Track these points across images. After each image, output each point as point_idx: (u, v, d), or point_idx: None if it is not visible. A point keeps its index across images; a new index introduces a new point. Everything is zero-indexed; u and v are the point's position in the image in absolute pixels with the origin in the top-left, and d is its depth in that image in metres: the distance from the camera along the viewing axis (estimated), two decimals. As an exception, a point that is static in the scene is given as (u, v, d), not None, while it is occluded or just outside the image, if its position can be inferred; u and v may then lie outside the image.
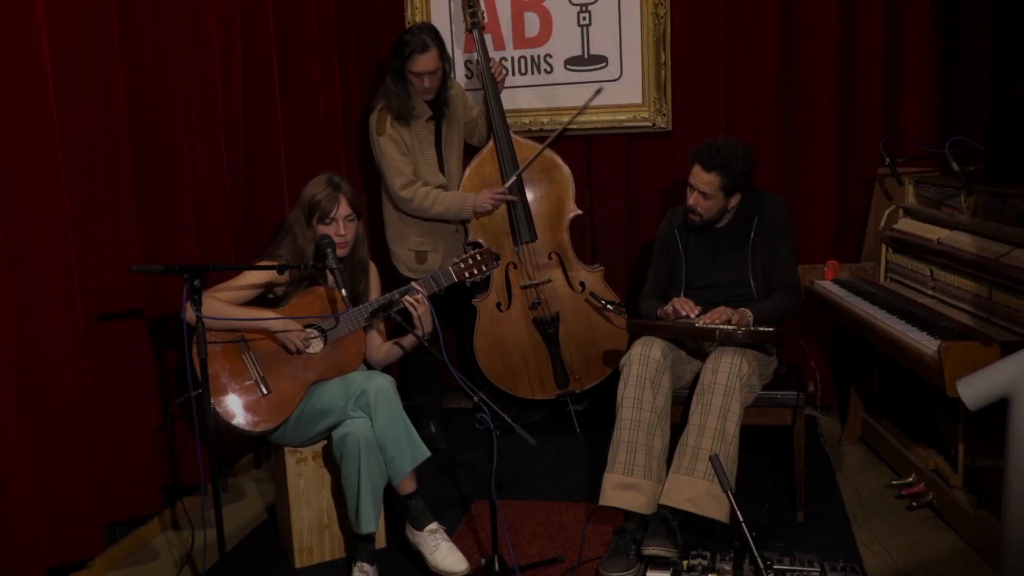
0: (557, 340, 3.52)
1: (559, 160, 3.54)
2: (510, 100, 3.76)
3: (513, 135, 3.51)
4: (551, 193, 3.54)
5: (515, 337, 3.54)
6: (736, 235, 2.88)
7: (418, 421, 3.60)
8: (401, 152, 3.33)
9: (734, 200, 2.83)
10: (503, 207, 3.49)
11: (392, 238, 3.51)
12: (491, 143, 3.50)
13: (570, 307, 3.52)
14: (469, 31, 3.50)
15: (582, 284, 3.51)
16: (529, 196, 3.51)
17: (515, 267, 3.52)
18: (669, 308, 2.78)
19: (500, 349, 3.54)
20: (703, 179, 2.78)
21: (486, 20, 3.64)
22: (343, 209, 2.68)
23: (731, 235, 2.88)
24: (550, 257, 3.52)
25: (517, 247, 3.50)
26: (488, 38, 3.77)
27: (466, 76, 3.85)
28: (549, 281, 3.51)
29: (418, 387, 3.63)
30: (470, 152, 3.62)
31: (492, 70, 3.47)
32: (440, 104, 3.43)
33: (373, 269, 2.88)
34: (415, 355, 3.58)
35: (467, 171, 3.51)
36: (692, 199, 2.83)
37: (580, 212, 3.55)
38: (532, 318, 3.51)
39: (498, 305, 3.54)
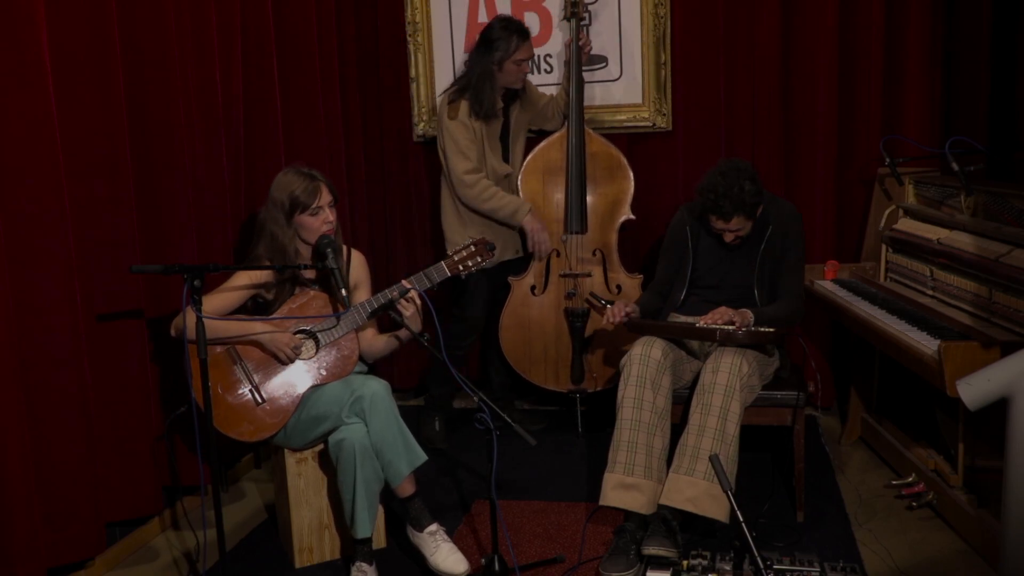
0: (582, 335, 3.53)
1: (625, 162, 3.55)
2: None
3: (587, 128, 3.54)
4: (610, 192, 3.55)
5: (541, 323, 3.56)
6: (748, 241, 2.87)
7: (426, 416, 3.60)
8: (470, 139, 3.37)
9: (760, 211, 2.82)
10: (563, 191, 3.51)
11: (452, 227, 3.51)
12: (564, 130, 3.52)
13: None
14: (568, 19, 3.53)
15: (619, 287, 3.52)
16: (588, 190, 3.53)
17: (558, 255, 3.54)
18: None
19: (525, 332, 3.57)
20: (729, 225, 2.75)
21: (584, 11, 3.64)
22: (325, 196, 2.64)
23: (743, 240, 2.88)
24: (594, 254, 3.54)
25: (565, 236, 3.51)
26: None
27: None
28: (589, 275, 3.53)
29: (435, 379, 3.63)
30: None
31: (582, 61, 3.52)
32: (515, 92, 3.50)
33: (360, 258, 2.84)
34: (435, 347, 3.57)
35: (533, 151, 3.54)
36: (729, 239, 2.80)
37: (633, 217, 3.56)
38: (564, 308, 3.54)
39: (532, 288, 3.56)
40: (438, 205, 3.58)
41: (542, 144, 3.56)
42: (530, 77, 3.78)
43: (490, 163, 3.44)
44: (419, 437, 3.51)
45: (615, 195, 3.55)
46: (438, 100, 3.46)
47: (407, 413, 2.66)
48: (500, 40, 3.34)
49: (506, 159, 3.53)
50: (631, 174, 3.55)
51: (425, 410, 3.64)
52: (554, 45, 3.79)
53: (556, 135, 3.55)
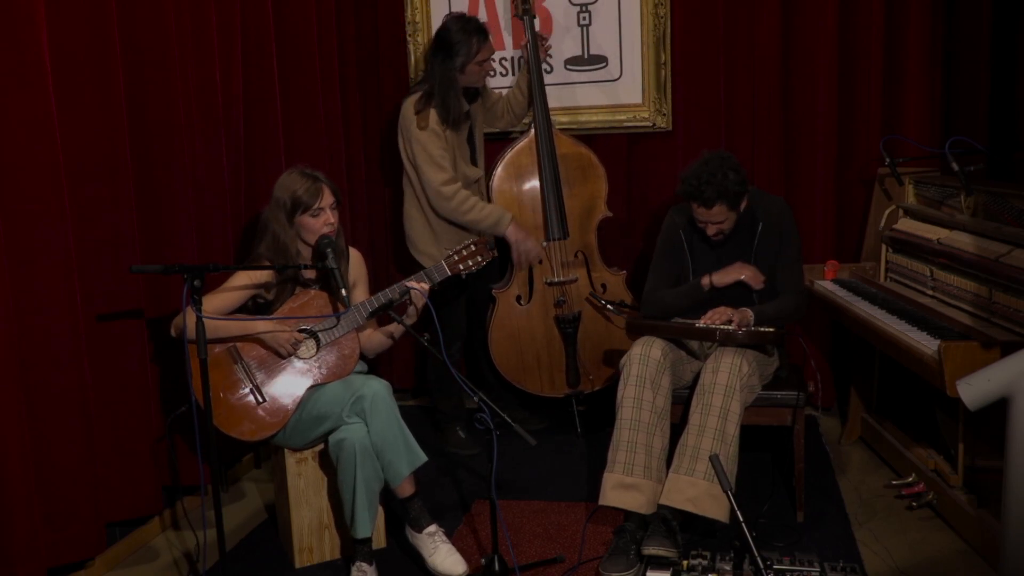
0: (575, 339, 3.53)
1: (596, 159, 3.53)
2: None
3: (555, 129, 3.51)
4: (585, 191, 3.53)
5: (531, 332, 3.54)
6: (739, 239, 2.86)
7: (444, 427, 3.57)
8: (442, 148, 3.27)
9: (744, 204, 2.81)
10: (538, 197, 3.47)
11: (420, 237, 3.42)
12: (531, 134, 3.49)
13: (591, 308, 3.54)
14: (520, 17, 3.49)
15: (604, 286, 3.52)
16: (564, 193, 3.50)
17: (540, 262, 3.50)
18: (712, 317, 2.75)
19: (515, 343, 3.55)
20: (711, 214, 2.73)
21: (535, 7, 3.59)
22: (327, 198, 2.64)
23: (734, 239, 2.86)
24: (576, 256, 3.53)
25: (546, 243, 3.49)
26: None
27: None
28: (575, 280, 3.52)
29: (439, 391, 3.57)
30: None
31: (540, 58, 3.48)
32: (475, 93, 3.44)
33: (357, 256, 2.84)
34: (434, 359, 3.52)
35: (503, 159, 3.50)
36: (711, 231, 2.79)
37: (611, 215, 3.56)
38: (554, 316, 3.52)
39: (518, 298, 3.54)
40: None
41: (511, 152, 3.50)
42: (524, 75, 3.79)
43: (461, 169, 3.36)
44: (448, 448, 3.50)
45: (590, 195, 3.53)
46: (403, 107, 3.34)
47: (407, 413, 2.66)
48: (460, 44, 3.24)
49: (474, 162, 3.45)
50: (603, 171, 3.53)
51: (442, 423, 3.59)
52: (555, 46, 3.75)
53: (524, 142, 3.50)
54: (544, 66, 3.68)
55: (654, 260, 3.05)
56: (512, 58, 3.80)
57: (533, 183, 3.50)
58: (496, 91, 3.65)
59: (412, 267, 3.47)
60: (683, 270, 2.95)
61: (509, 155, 3.51)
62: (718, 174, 2.68)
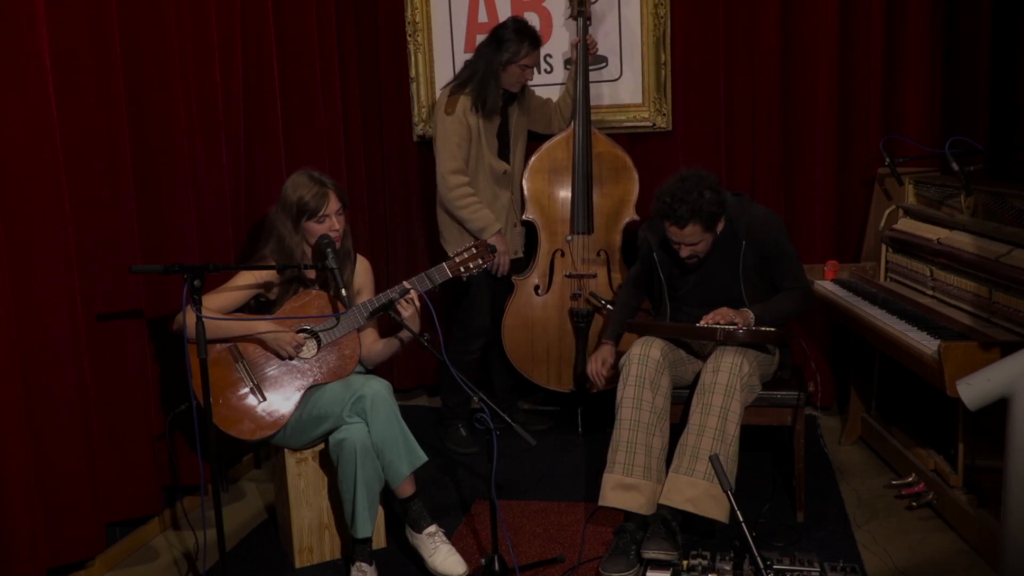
0: (587, 336, 3.54)
1: (631, 163, 3.55)
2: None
3: (593, 129, 3.53)
4: (615, 192, 3.55)
5: (544, 323, 3.57)
6: (724, 260, 2.78)
7: (448, 424, 3.58)
8: (462, 137, 3.34)
9: (721, 226, 2.73)
10: (569, 190, 3.52)
11: (450, 224, 3.47)
12: (570, 130, 3.52)
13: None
14: (575, 18, 3.53)
15: (620, 288, 3.53)
16: (594, 190, 3.53)
17: (562, 255, 3.55)
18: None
19: (528, 332, 3.58)
20: (684, 234, 2.65)
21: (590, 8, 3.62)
22: (333, 204, 2.66)
23: (718, 260, 2.78)
24: (599, 254, 3.55)
25: (571, 236, 3.52)
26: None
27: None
28: (594, 276, 3.54)
29: (448, 388, 3.59)
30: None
31: (588, 60, 3.52)
32: (515, 93, 3.49)
33: (363, 263, 2.84)
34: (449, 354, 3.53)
35: (538, 151, 3.55)
36: (684, 252, 2.71)
37: (637, 218, 3.56)
38: (569, 308, 3.55)
39: (536, 288, 3.57)
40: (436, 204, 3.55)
41: (548, 144, 3.56)
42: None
43: (486, 160, 3.42)
44: (446, 445, 3.52)
45: (620, 196, 3.55)
46: (439, 92, 3.44)
47: (408, 413, 2.66)
48: (511, 42, 3.34)
49: (504, 157, 3.51)
50: (636, 175, 3.55)
51: (445, 419, 3.61)
52: (555, 45, 3.79)
53: (562, 135, 3.56)
54: (545, 67, 3.71)
55: (637, 261, 3.08)
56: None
57: (564, 176, 3.54)
58: (545, 91, 3.68)
59: (411, 267, 3.48)
60: (659, 290, 2.94)
61: (546, 146, 3.57)
62: (693, 192, 2.59)
